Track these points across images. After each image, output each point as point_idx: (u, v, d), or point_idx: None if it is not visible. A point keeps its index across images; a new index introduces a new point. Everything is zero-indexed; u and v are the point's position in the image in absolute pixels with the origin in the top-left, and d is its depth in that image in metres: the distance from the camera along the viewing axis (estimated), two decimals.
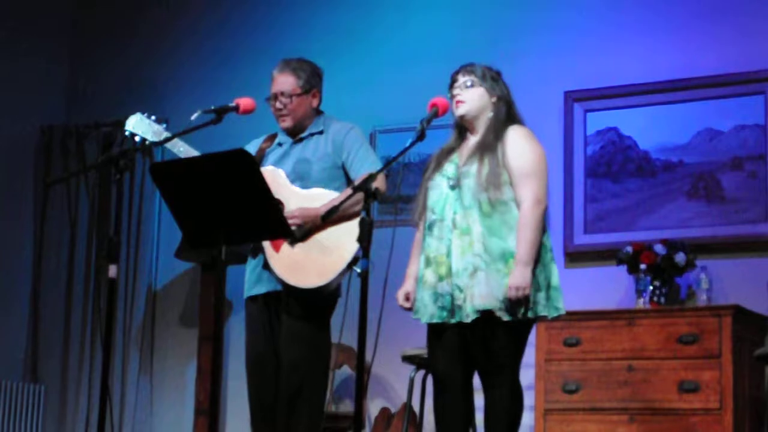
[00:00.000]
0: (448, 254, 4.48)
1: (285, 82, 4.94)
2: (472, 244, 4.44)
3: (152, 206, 7.44)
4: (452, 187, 4.55)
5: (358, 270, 4.41)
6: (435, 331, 4.57)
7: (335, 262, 4.71)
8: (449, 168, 4.60)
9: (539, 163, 4.53)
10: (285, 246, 4.76)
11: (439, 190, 4.58)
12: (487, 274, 4.40)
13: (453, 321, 4.47)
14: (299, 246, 4.76)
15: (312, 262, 4.73)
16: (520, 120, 4.64)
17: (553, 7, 6.68)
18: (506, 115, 4.60)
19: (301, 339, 4.77)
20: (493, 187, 4.45)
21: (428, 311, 4.52)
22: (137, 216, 7.47)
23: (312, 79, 4.97)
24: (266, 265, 4.80)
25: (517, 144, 4.53)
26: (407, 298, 4.64)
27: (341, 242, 4.71)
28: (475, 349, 4.48)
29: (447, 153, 4.67)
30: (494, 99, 4.61)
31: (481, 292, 4.39)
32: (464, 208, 4.49)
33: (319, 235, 4.76)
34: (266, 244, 4.77)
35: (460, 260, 4.45)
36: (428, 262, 4.54)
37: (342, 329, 4.74)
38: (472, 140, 4.64)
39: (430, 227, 4.56)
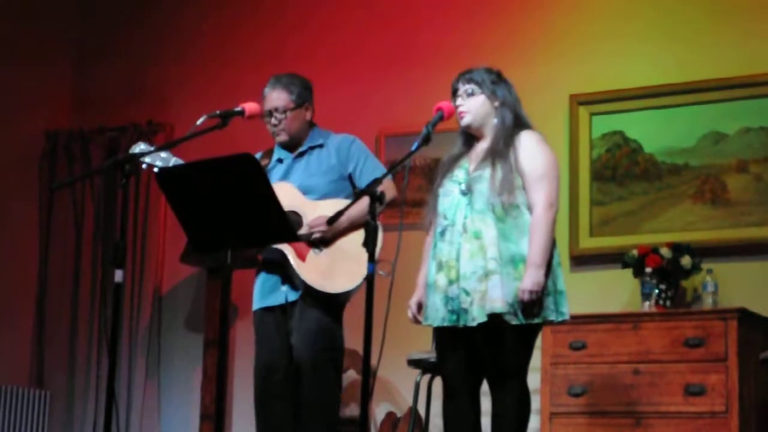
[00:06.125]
0: (458, 258, 4.48)
1: (278, 98, 5.00)
2: (485, 248, 4.43)
3: (158, 211, 7.44)
4: (463, 193, 4.54)
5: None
6: (445, 335, 4.56)
7: (362, 265, 4.73)
8: (459, 173, 4.60)
9: (551, 167, 4.53)
10: (311, 254, 4.84)
11: (450, 196, 4.58)
12: (502, 278, 4.39)
13: (460, 325, 4.45)
14: (324, 253, 4.85)
15: (340, 267, 4.83)
16: (528, 123, 4.64)
17: (559, 10, 6.67)
18: (513, 120, 4.60)
19: (316, 342, 4.83)
20: (507, 192, 4.45)
21: (439, 315, 4.50)
22: (143, 220, 7.47)
23: (303, 93, 5.04)
24: (287, 277, 4.85)
25: (530, 148, 4.52)
26: (420, 306, 4.64)
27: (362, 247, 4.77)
28: (484, 354, 4.47)
29: (455, 159, 4.67)
30: (497, 104, 4.61)
31: (497, 296, 4.37)
32: (476, 212, 4.48)
33: (340, 242, 4.86)
34: (291, 256, 4.84)
35: (468, 264, 4.44)
36: (440, 267, 4.53)
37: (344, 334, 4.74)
38: (481, 145, 4.63)
39: (443, 233, 4.56)
